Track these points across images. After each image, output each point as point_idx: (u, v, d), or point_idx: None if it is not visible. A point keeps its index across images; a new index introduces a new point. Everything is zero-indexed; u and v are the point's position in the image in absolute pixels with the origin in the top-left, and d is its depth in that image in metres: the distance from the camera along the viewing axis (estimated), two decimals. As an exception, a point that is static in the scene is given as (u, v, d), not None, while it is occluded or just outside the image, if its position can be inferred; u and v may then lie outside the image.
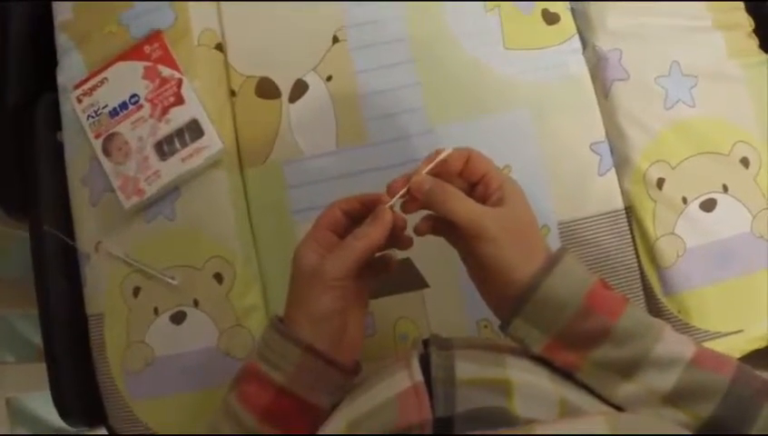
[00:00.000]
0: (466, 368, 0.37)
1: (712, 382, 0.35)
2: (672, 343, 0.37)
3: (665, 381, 0.36)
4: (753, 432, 0.34)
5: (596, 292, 0.37)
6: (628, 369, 0.36)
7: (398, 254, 0.57)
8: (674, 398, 0.36)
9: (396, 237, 0.42)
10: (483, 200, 0.40)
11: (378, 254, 0.43)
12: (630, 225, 0.59)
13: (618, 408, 0.37)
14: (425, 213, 0.42)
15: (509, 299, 0.38)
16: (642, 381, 0.36)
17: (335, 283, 0.39)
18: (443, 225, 0.42)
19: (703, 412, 0.35)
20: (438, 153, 0.41)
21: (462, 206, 0.38)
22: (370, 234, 0.40)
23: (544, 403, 0.34)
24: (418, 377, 0.36)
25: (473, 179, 0.41)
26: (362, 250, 0.39)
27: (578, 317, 0.36)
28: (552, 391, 0.35)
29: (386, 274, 0.45)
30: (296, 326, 0.40)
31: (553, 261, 0.38)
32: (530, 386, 0.35)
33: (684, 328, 0.57)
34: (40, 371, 0.62)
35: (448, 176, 0.40)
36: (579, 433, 0.29)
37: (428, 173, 0.40)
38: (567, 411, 0.33)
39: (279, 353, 0.40)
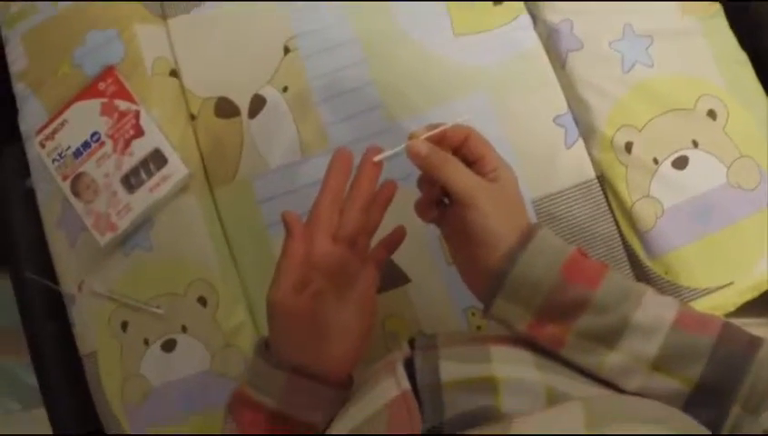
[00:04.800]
0: (450, 369, 0.37)
1: (696, 343, 0.35)
2: (653, 307, 0.36)
3: (650, 346, 0.35)
4: (745, 384, 0.34)
5: (574, 262, 0.37)
6: (612, 337, 0.36)
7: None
8: (661, 363, 0.35)
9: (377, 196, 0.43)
10: None
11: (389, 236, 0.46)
12: (605, 193, 0.59)
13: (609, 384, 0.37)
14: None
15: (489, 277, 0.38)
16: (626, 349, 0.36)
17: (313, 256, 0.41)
18: (432, 203, 0.43)
19: (691, 374, 0.35)
20: (437, 125, 0.41)
21: (458, 174, 0.39)
22: (324, 184, 0.42)
23: (531, 395, 0.34)
24: (405, 384, 0.36)
25: (469, 158, 0.41)
26: (322, 201, 0.42)
27: (558, 289, 0.36)
28: (538, 381, 0.35)
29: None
30: (279, 346, 0.40)
31: (527, 236, 0.38)
32: (516, 380, 0.35)
33: (673, 288, 0.57)
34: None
35: (445, 149, 0.40)
36: (555, 424, 0.29)
37: (426, 140, 0.40)
38: (554, 399, 0.33)
39: (265, 378, 0.40)
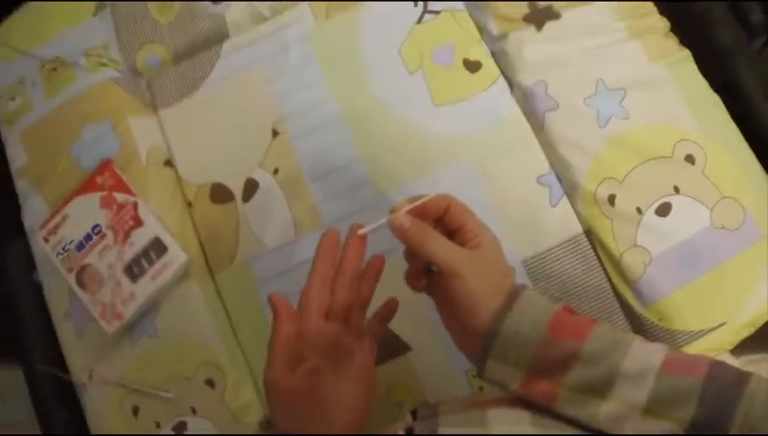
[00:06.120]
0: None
1: (684, 385, 0.36)
2: (640, 354, 0.37)
3: (640, 392, 0.36)
4: (737, 420, 0.34)
5: (559, 319, 0.38)
6: (603, 388, 0.37)
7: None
8: (652, 407, 0.36)
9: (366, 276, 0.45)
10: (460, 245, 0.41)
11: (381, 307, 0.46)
12: (593, 247, 0.60)
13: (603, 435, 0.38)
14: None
15: (479, 340, 0.39)
16: (618, 398, 0.37)
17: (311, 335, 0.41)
18: (420, 273, 0.44)
19: (683, 416, 0.35)
20: (418, 197, 0.42)
21: (438, 247, 0.40)
22: (314, 266, 0.43)
23: None
24: None
25: (451, 227, 0.42)
26: (312, 282, 0.42)
27: (545, 345, 0.37)
28: None
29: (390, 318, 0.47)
30: (280, 423, 0.41)
31: (512, 297, 0.39)
32: None
33: (667, 334, 0.57)
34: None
35: (426, 221, 0.42)
36: None
37: (408, 213, 0.41)
38: None
39: None
